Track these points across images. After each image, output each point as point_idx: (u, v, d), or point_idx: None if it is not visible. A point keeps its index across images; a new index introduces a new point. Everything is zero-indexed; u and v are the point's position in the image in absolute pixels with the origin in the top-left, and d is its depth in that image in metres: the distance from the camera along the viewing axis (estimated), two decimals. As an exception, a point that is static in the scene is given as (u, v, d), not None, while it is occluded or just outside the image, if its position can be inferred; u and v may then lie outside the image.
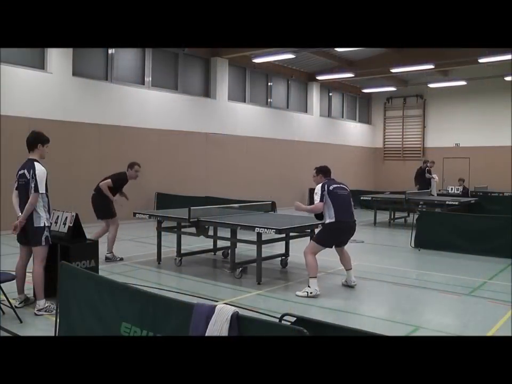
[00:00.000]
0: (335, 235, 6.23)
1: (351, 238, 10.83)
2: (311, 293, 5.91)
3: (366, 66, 18.17)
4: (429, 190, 14.80)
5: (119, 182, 8.04)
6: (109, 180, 7.94)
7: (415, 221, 9.74)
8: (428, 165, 15.42)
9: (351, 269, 6.50)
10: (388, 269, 7.71)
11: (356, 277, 7.12)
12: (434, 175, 15.30)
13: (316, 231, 7.42)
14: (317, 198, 6.12)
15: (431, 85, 20.45)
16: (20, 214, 5.02)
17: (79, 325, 3.69)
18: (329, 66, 19.11)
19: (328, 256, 8.46)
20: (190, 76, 15.52)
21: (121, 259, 8.12)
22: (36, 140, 5.18)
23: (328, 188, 6.13)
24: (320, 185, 6.19)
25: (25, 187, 5.03)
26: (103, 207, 7.96)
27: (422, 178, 15.20)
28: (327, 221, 6.16)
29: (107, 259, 7.98)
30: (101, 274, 4.68)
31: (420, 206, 12.35)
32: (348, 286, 6.47)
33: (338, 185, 6.28)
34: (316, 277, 6.01)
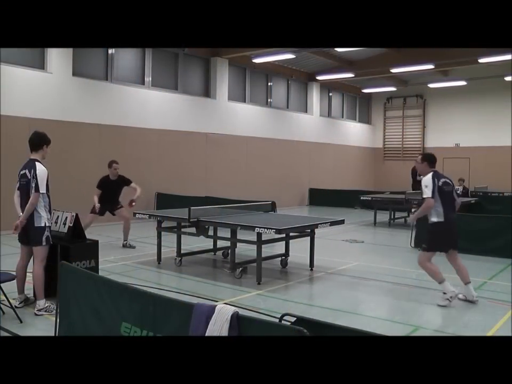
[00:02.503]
0: (446, 236, 5.69)
1: (352, 238, 10.81)
2: (450, 297, 5.54)
3: (366, 66, 18.17)
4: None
5: (102, 185, 9.00)
6: (96, 190, 8.98)
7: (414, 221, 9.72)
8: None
9: (469, 282, 5.77)
10: (388, 269, 7.71)
11: (356, 277, 7.14)
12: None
13: (316, 231, 7.45)
14: (428, 192, 5.53)
15: (431, 85, 20.46)
16: (21, 213, 5.03)
17: (79, 325, 3.69)
18: (329, 66, 19.12)
19: (329, 256, 8.47)
20: (190, 75, 15.52)
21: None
22: (42, 141, 5.19)
23: (437, 182, 5.61)
24: (430, 177, 5.63)
25: (26, 187, 5.04)
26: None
27: (414, 179, 15.08)
28: (434, 220, 5.64)
29: None
30: (101, 274, 4.68)
31: (414, 206, 12.35)
32: (468, 301, 5.77)
33: (445, 180, 5.75)
34: (444, 280, 5.61)
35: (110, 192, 8.99)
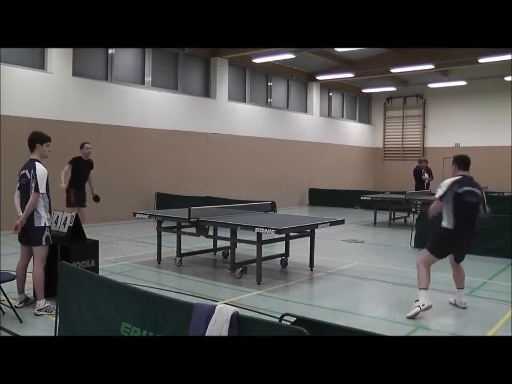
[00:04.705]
0: (447, 245, 5.41)
1: (352, 238, 10.81)
2: (423, 305, 5.16)
3: (366, 66, 18.17)
4: (429, 190, 14.63)
5: (75, 163, 8.95)
6: (67, 165, 8.92)
7: (415, 221, 9.73)
8: (421, 165, 15.16)
9: (463, 288, 5.67)
10: (388, 269, 7.71)
11: (356, 277, 7.14)
12: (425, 176, 14.95)
13: (316, 231, 7.45)
14: (438, 192, 5.22)
15: (431, 85, 20.45)
16: (21, 213, 5.03)
17: (79, 325, 3.69)
18: (329, 66, 19.12)
19: (329, 256, 8.47)
20: (190, 76, 15.52)
21: None
22: (34, 140, 5.19)
23: (457, 188, 5.19)
24: (450, 181, 5.22)
25: (26, 187, 5.04)
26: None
27: (418, 179, 14.98)
28: (444, 225, 5.36)
29: None
30: (101, 274, 4.69)
31: (416, 206, 12.38)
32: (456, 306, 5.67)
33: (470, 189, 5.26)
34: (425, 289, 5.25)
35: (81, 172, 9.01)
